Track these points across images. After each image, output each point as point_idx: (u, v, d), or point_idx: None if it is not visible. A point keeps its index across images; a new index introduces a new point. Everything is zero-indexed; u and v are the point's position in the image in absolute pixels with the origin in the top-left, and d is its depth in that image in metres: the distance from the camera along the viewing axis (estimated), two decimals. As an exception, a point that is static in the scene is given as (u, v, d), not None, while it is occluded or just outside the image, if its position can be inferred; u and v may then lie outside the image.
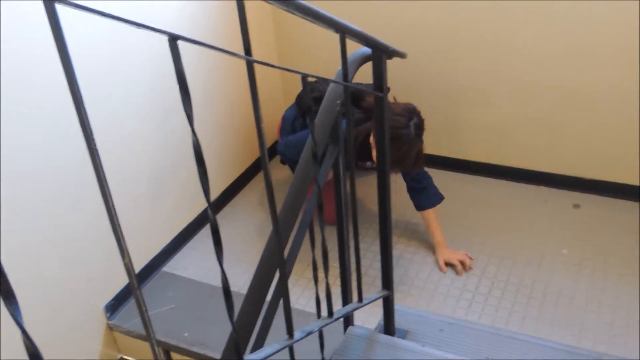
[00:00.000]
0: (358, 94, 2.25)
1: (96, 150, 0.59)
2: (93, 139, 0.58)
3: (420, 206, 2.43)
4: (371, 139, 2.18)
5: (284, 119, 2.66)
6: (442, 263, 2.40)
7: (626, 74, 2.47)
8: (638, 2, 2.29)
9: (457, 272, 2.38)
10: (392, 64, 1.43)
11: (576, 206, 2.73)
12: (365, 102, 2.23)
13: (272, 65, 0.81)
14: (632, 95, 2.50)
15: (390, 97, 2.31)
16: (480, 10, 2.58)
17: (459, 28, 2.67)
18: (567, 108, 2.65)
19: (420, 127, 2.10)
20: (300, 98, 2.59)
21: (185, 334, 2.16)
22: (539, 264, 2.41)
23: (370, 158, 2.24)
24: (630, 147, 2.61)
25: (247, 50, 0.77)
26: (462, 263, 2.39)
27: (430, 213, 2.43)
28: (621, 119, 2.57)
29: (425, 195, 2.40)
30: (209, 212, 0.73)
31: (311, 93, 2.36)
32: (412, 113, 2.09)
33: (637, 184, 2.69)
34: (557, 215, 2.67)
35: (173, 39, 0.65)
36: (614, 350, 1.99)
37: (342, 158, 1.46)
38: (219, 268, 0.81)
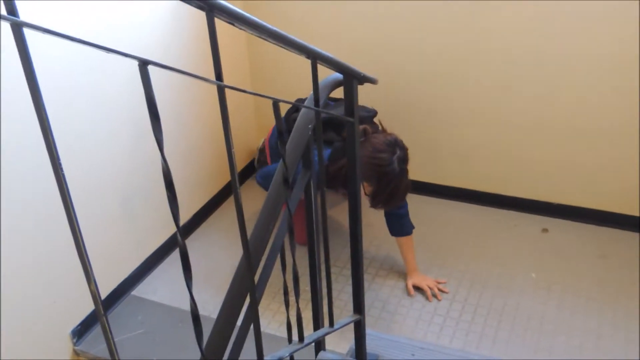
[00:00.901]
0: (339, 122, 2.19)
1: (62, 173, 0.58)
2: (59, 162, 0.58)
3: (399, 232, 2.39)
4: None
5: (270, 147, 2.61)
6: (410, 286, 2.40)
7: (590, 103, 2.54)
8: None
9: (427, 298, 2.38)
10: (364, 88, 1.45)
11: (544, 230, 2.78)
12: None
13: (243, 90, 0.82)
14: (599, 122, 2.57)
15: (376, 120, 2.38)
16: (452, 35, 2.64)
17: (432, 53, 2.72)
18: (536, 134, 2.71)
19: (404, 159, 2.06)
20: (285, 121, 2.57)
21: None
22: (509, 287, 2.44)
23: (344, 189, 2.20)
24: (597, 173, 2.68)
25: (218, 76, 0.78)
26: (431, 289, 2.37)
27: (408, 239, 2.40)
28: (587, 146, 2.64)
29: (405, 222, 2.37)
30: (178, 236, 0.73)
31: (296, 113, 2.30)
32: (394, 146, 2.04)
33: (603, 209, 2.76)
34: (526, 239, 2.71)
35: (143, 63, 0.65)
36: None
37: (314, 182, 1.47)
38: (188, 293, 0.80)
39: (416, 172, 3.01)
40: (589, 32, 2.41)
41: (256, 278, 1.23)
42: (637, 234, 2.71)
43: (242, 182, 3.26)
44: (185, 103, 2.71)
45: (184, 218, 2.86)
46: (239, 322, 1.28)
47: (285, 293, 1.35)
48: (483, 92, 2.72)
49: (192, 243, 2.85)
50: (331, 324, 1.54)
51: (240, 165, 3.25)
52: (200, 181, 2.94)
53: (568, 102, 2.59)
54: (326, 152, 2.17)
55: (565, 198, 2.82)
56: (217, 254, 2.74)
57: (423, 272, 2.48)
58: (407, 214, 2.36)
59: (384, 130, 2.22)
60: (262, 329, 1.25)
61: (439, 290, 2.39)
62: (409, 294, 2.38)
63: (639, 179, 2.61)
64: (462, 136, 2.86)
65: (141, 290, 2.53)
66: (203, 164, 2.92)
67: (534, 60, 2.55)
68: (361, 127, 2.03)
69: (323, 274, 1.50)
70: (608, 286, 2.43)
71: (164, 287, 2.55)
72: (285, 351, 1.23)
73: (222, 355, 1.13)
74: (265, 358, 1.16)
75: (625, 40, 2.37)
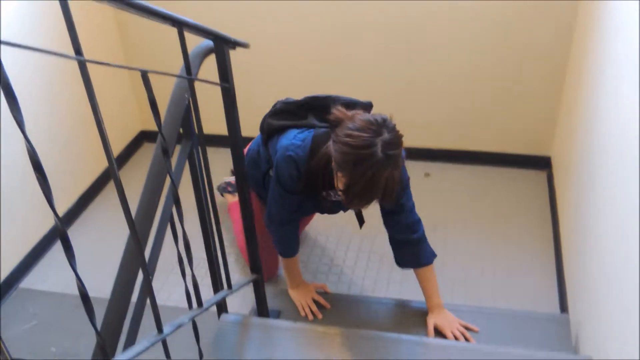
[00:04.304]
0: (326, 104, 1.74)
1: None
2: None
3: (412, 262, 1.90)
4: (333, 163, 1.56)
5: (248, 150, 2.14)
6: (431, 327, 1.86)
7: (460, 57, 2.71)
8: None
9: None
10: (237, 55, 1.46)
11: (427, 175, 2.96)
12: (332, 115, 1.61)
13: (106, 64, 0.81)
14: (468, 73, 2.75)
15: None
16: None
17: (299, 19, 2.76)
18: (411, 88, 2.85)
19: (392, 145, 1.49)
20: (263, 121, 1.96)
21: (53, 349, 2.05)
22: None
23: (334, 187, 1.67)
24: (468, 118, 2.88)
25: (77, 51, 0.76)
26: (456, 338, 1.82)
27: (430, 269, 1.89)
28: (458, 94, 2.82)
29: (421, 248, 1.87)
30: (55, 214, 0.72)
31: (271, 118, 1.87)
32: (380, 126, 1.49)
33: (478, 149, 2.98)
34: (411, 184, 2.88)
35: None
36: (468, 301, 2.22)
37: (197, 151, 1.47)
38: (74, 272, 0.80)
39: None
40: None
41: (148, 251, 1.23)
42: (512, 170, 2.96)
43: (126, 160, 3.20)
44: (57, 83, 2.59)
45: (69, 202, 2.76)
46: (136, 299, 1.28)
47: (180, 262, 1.36)
48: (363, 50, 2.80)
49: (80, 227, 2.76)
50: (229, 286, 1.58)
51: (121, 144, 3.18)
52: (82, 163, 2.83)
53: (437, 54, 2.74)
54: (309, 135, 1.74)
55: (444, 143, 3.01)
56: (108, 235, 2.67)
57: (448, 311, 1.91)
58: (423, 238, 1.87)
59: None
60: (163, 302, 1.27)
61: (468, 337, 1.82)
62: (427, 335, 1.85)
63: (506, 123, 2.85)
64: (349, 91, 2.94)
65: (29, 281, 2.42)
66: (83, 145, 2.81)
67: (391, 21, 2.66)
68: (352, 111, 1.59)
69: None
70: (487, 221, 2.65)
71: (54, 275, 2.46)
72: (185, 317, 1.26)
73: (120, 331, 1.13)
74: (165, 326, 1.18)
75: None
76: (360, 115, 1.55)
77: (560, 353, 1.66)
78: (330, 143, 1.56)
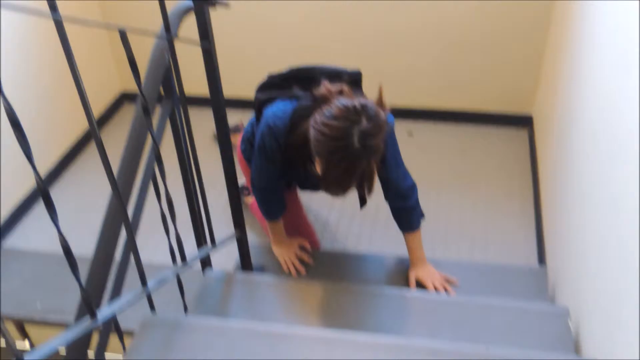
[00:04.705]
0: (311, 75, 1.70)
1: None
2: None
3: (411, 227, 1.90)
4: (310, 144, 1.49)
5: (244, 132, 2.10)
6: (412, 279, 1.91)
7: (443, 16, 2.70)
8: None
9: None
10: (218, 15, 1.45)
11: (410, 134, 2.98)
12: (318, 91, 1.57)
13: (84, 22, 0.81)
14: (451, 32, 2.74)
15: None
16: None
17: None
18: (396, 47, 2.85)
19: (370, 134, 1.40)
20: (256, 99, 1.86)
21: (38, 304, 2.09)
22: (378, 190, 2.62)
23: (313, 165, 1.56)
24: (452, 74, 2.89)
25: (52, 7, 0.77)
26: (437, 289, 1.87)
27: (418, 232, 1.93)
28: (441, 52, 2.82)
29: (414, 214, 1.89)
30: (33, 168, 0.74)
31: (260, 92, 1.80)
32: (358, 114, 1.40)
33: (461, 108, 3.00)
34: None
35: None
36: (449, 256, 2.28)
37: (179, 110, 1.48)
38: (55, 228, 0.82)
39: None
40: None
41: (131, 208, 1.25)
42: (494, 128, 3.00)
43: (107, 121, 3.19)
44: (35, 43, 2.56)
45: (48, 163, 2.76)
46: (120, 258, 1.31)
47: (163, 219, 1.38)
48: (343, 9, 2.78)
49: (61, 189, 2.77)
50: (213, 242, 1.61)
51: (102, 103, 3.16)
52: (62, 123, 2.82)
53: (420, 13, 2.72)
54: (290, 107, 1.67)
55: (427, 103, 3.03)
56: (90, 197, 2.68)
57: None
58: (415, 204, 1.87)
59: (381, 104, 1.53)
60: (147, 261, 1.29)
61: (448, 289, 1.88)
62: (409, 286, 1.91)
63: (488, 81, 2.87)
64: (323, 50, 2.93)
65: (12, 242, 2.45)
66: (64, 104, 2.79)
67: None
68: (338, 86, 1.55)
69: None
70: (469, 179, 2.70)
71: (37, 235, 2.48)
72: (168, 273, 1.29)
73: (104, 285, 1.16)
74: (149, 282, 1.21)
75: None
76: (339, 100, 1.46)
77: (536, 303, 1.72)
78: (309, 124, 1.48)
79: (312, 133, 1.45)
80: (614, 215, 1.30)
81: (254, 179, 1.86)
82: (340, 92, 1.54)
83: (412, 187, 1.84)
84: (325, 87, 1.55)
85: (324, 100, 1.51)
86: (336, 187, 1.50)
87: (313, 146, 1.46)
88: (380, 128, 1.42)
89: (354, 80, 1.71)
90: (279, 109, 1.66)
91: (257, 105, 1.78)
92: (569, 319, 1.56)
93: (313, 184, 1.88)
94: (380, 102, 1.52)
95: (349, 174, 1.44)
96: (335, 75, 1.67)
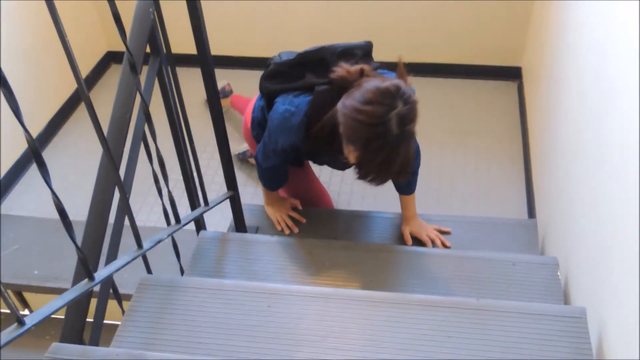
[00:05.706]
0: (322, 57, 1.60)
1: None
2: None
3: (409, 191, 1.89)
4: (340, 131, 1.38)
5: (252, 118, 1.94)
6: (407, 234, 1.90)
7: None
8: None
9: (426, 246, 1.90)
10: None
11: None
12: (334, 72, 1.48)
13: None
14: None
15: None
16: None
17: None
18: (379, 2, 2.81)
19: (408, 118, 1.33)
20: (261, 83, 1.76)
21: (36, 272, 2.09)
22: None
23: (342, 152, 1.46)
24: (440, 28, 2.86)
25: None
26: (432, 240, 1.88)
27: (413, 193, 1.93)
28: (429, 6, 2.78)
29: (415, 178, 1.88)
30: (23, 128, 0.72)
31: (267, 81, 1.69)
32: (393, 97, 1.31)
33: (450, 62, 2.98)
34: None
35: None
36: (440, 212, 2.30)
37: (166, 68, 1.45)
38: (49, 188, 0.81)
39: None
40: None
41: (122, 170, 1.24)
42: (484, 81, 2.99)
43: (94, 83, 3.13)
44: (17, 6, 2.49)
45: (38, 127, 2.73)
46: (114, 221, 1.30)
47: (156, 180, 1.38)
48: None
49: (52, 153, 2.74)
50: (206, 203, 1.61)
51: (89, 64, 3.10)
52: (50, 86, 2.77)
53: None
54: (304, 100, 1.55)
55: (415, 57, 3.00)
56: (81, 160, 2.66)
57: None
58: (417, 169, 1.86)
59: (402, 76, 1.45)
60: (141, 223, 1.29)
61: (442, 239, 1.88)
62: (406, 243, 1.90)
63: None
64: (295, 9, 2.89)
65: (6, 207, 2.43)
66: (51, 67, 2.74)
67: None
68: (357, 66, 1.45)
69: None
70: (458, 132, 2.70)
71: (31, 200, 2.47)
72: (163, 233, 1.29)
73: (100, 248, 1.16)
74: (144, 242, 1.21)
75: None
76: (370, 82, 1.36)
77: (526, 256, 1.74)
78: (337, 109, 1.38)
79: (342, 120, 1.35)
80: (602, 168, 1.31)
81: (260, 160, 1.77)
82: (361, 73, 1.44)
83: (417, 152, 1.76)
84: (343, 68, 1.46)
85: (344, 82, 1.43)
86: (375, 176, 1.41)
87: (344, 134, 1.36)
88: (416, 111, 1.35)
89: (366, 53, 1.62)
90: (291, 104, 1.55)
91: (268, 95, 1.69)
92: (558, 270, 1.59)
93: (340, 165, 1.80)
94: (402, 76, 1.43)
95: (390, 162, 1.34)
96: (347, 52, 1.58)
